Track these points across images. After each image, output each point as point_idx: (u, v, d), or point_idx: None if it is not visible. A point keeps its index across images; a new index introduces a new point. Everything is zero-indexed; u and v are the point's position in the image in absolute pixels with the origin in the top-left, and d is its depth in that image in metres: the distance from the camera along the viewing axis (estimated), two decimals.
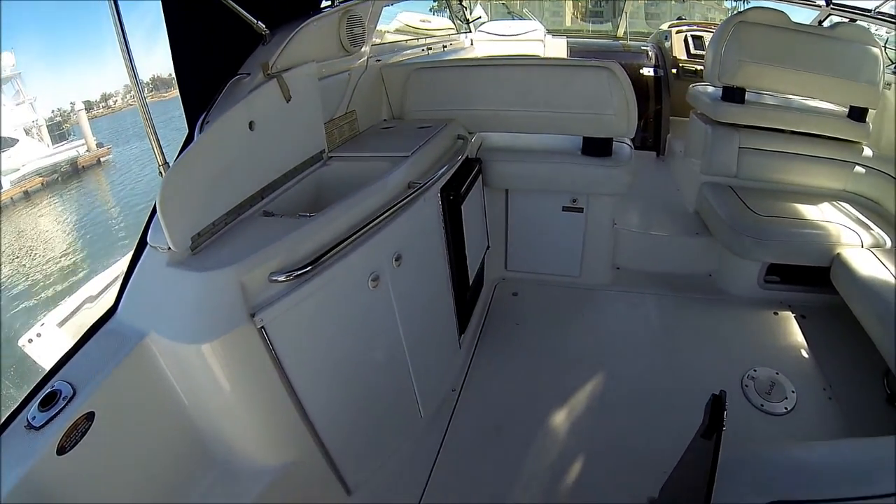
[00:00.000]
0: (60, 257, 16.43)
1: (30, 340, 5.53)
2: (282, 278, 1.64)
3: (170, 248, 1.61)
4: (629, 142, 3.16)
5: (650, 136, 4.89)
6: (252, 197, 1.96)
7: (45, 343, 3.51)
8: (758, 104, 3.59)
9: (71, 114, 23.34)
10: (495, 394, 2.63)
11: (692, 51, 5.24)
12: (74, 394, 1.49)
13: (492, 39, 5.69)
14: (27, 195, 18.82)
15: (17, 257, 16.28)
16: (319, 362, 1.89)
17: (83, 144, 22.05)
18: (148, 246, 1.71)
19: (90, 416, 1.48)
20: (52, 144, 20.79)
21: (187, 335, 1.59)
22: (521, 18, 6.11)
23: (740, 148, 3.53)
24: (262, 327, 1.64)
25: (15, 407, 1.52)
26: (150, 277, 1.71)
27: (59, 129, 21.76)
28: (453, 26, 5.21)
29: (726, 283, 3.32)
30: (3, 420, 1.49)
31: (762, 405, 2.44)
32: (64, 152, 21.01)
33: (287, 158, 2.18)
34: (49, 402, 1.46)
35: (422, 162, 2.39)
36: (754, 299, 3.20)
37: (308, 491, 1.97)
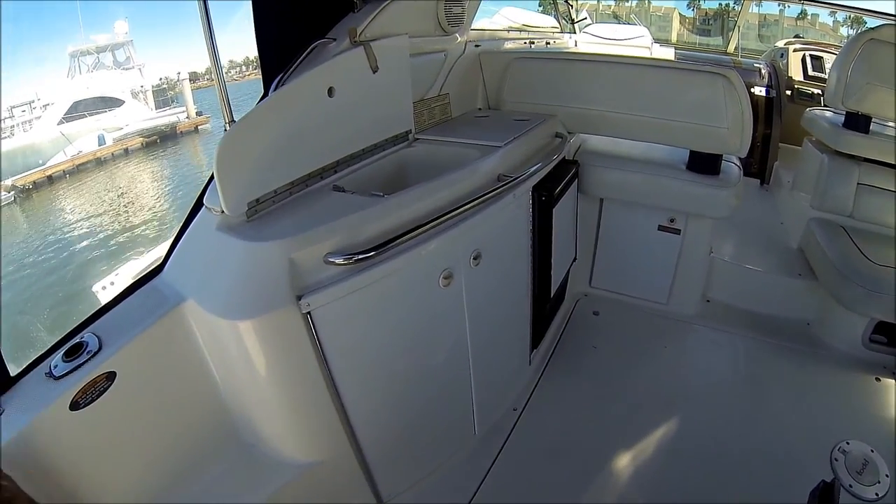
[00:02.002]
0: (148, 210, 17.14)
1: (103, 287, 5.64)
2: (339, 260, 1.40)
3: (223, 212, 1.42)
4: (737, 161, 2.78)
5: (755, 162, 4.41)
6: (324, 168, 1.76)
7: (117, 292, 3.49)
8: (884, 136, 3.11)
9: (176, 83, 24.23)
10: (559, 421, 2.32)
11: (810, 72, 4.70)
12: (100, 349, 1.35)
13: (597, 42, 5.31)
14: (126, 152, 19.65)
15: (110, 206, 17.01)
16: (369, 360, 1.66)
17: (184, 111, 22.79)
18: (203, 206, 1.53)
19: (111, 376, 1.33)
20: (156, 109, 21.69)
21: (224, 309, 1.39)
22: (628, 24, 5.77)
23: (859, 184, 3.07)
24: (309, 313, 1.42)
25: (44, 351, 1.40)
26: (199, 240, 1.54)
27: (164, 96, 22.56)
28: (558, 25, 4.88)
29: (825, 335, 2.87)
30: (29, 363, 1.39)
31: (851, 486, 2.01)
32: (166, 117, 21.80)
33: (368, 132, 1.96)
34: (74, 353, 1.34)
35: (514, 155, 2.13)
36: (855, 359, 2.73)
37: (335, 495, 1.75)
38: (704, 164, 2.60)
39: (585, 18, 5.42)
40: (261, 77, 1.75)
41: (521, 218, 2.14)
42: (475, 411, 2.12)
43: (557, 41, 4.56)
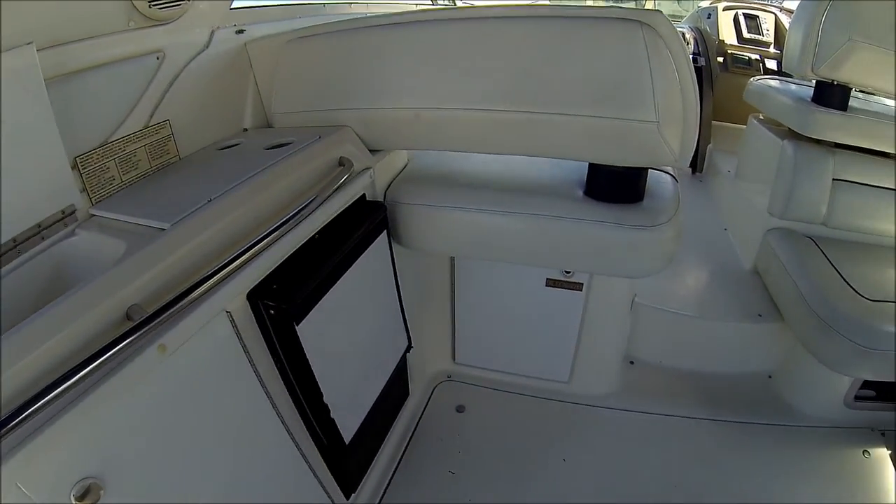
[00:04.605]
0: None
1: None
2: None
3: None
4: (672, 171, 1.50)
5: None
6: None
7: None
8: (868, 113, 1.93)
9: None
10: None
11: (745, 34, 3.47)
12: None
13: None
14: None
15: None
16: None
17: None
18: None
19: None
20: None
21: None
22: None
23: (834, 180, 1.93)
24: None
25: None
26: None
27: None
28: None
29: (794, 394, 1.84)
30: None
31: None
32: None
33: None
34: None
35: (214, 238, 0.92)
36: (835, 425, 1.77)
37: None
38: (615, 186, 1.32)
39: None
40: None
41: (214, 358, 0.93)
42: None
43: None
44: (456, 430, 1.74)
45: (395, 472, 1.60)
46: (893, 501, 1.56)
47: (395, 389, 1.55)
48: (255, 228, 0.99)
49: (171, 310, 0.77)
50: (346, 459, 1.29)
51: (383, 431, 1.58)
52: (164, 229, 0.90)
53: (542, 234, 1.35)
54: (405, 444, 1.69)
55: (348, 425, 1.24)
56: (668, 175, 1.46)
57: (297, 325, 0.98)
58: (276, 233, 0.96)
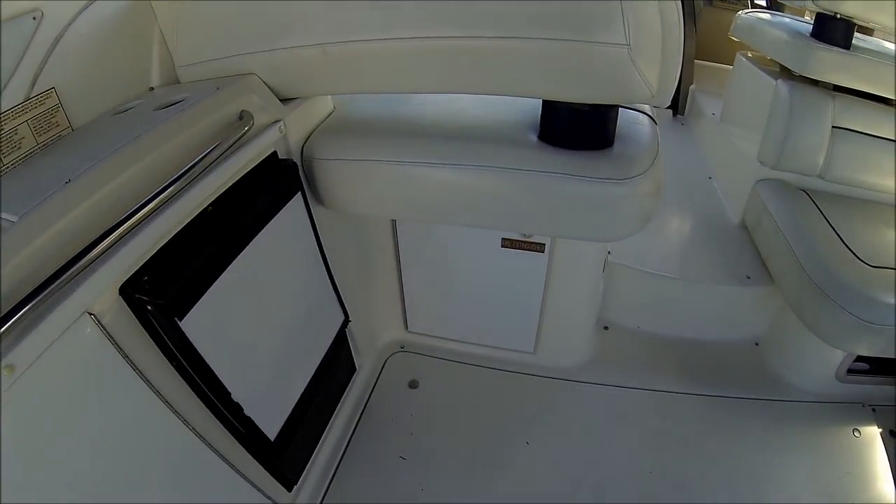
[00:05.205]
0: None
1: None
2: None
3: None
4: (650, 111, 1.21)
5: None
6: None
7: None
8: (873, 53, 1.68)
9: None
10: None
11: None
12: None
13: None
14: None
15: None
16: None
17: None
18: None
19: None
20: None
21: None
22: None
23: (834, 128, 1.70)
24: None
25: None
26: None
27: None
28: None
29: (782, 364, 1.68)
30: None
31: None
32: None
33: None
34: None
35: (87, 218, 0.74)
36: (825, 400, 1.64)
37: None
38: (577, 127, 1.05)
39: None
40: None
41: (82, 371, 0.74)
42: None
43: None
44: (409, 409, 1.60)
45: (342, 458, 1.47)
46: (886, 483, 1.41)
47: (336, 367, 1.40)
48: (129, 207, 0.79)
49: (11, 321, 0.60)
50: (276, 455, 1.14)
51: (326, 414, 1.44)
52: (13, 222, 0.71)
53: (487, 191, 1.11)
54: (353, 426, 1.55)
55: (271, 420, 1.09)
56: (644, 115, 1.19)
57: (181, 320, 0.81)
58: (150, 207, 0.77)
